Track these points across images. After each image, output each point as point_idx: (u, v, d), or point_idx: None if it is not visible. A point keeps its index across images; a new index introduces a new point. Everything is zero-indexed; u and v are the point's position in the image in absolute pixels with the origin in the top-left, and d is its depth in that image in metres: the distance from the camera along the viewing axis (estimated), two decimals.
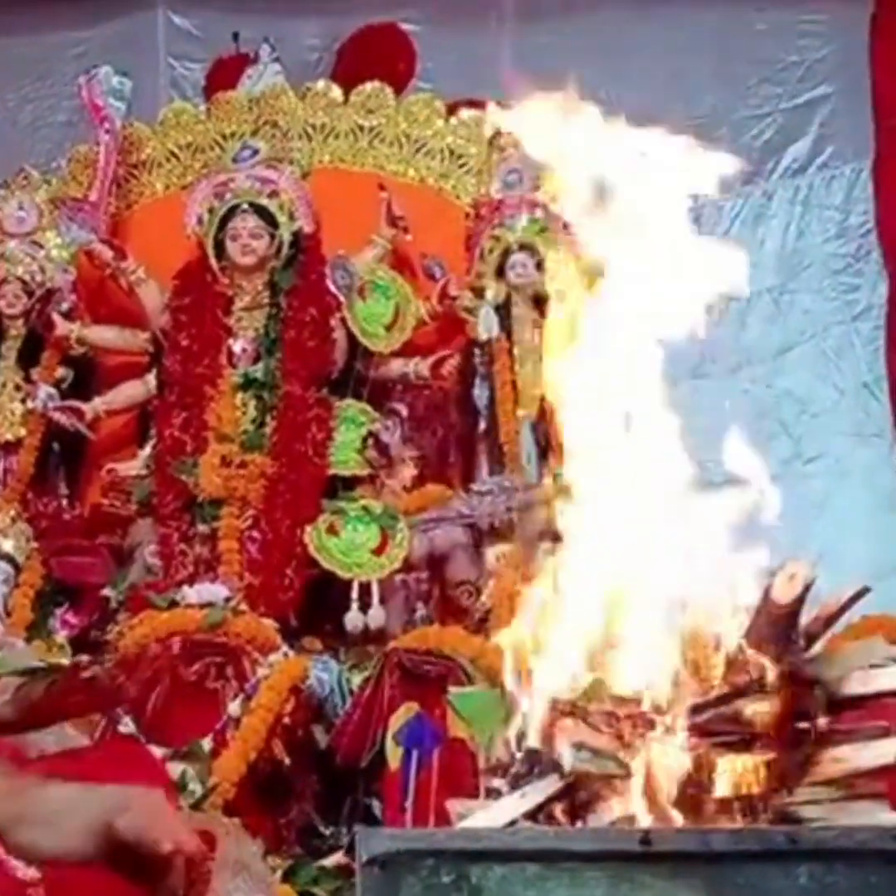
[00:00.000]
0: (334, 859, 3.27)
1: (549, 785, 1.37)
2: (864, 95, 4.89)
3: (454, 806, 1.44)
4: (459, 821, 1.42)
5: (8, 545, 4.22)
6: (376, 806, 3.51)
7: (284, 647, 3.75)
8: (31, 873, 1.76)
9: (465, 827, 1.34)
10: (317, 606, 4.08)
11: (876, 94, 4.79)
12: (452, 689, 3.40)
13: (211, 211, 4.43)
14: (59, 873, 1.79)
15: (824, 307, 4.88)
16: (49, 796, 1.12)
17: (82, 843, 1.08)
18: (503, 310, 4.39)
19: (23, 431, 4.46)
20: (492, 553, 4.00)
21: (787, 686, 1.46)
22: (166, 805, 1.12)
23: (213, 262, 4.41)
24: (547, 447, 4.21)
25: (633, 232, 1.67)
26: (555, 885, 1.13)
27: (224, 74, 5.03)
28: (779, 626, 1.51)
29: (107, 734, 3.31)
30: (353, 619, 3.96)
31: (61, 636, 4.08)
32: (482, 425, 4.35)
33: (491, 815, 1.38)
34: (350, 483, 4.28)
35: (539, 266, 4.41)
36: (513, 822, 1.34)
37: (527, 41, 5.10)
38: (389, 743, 3.39)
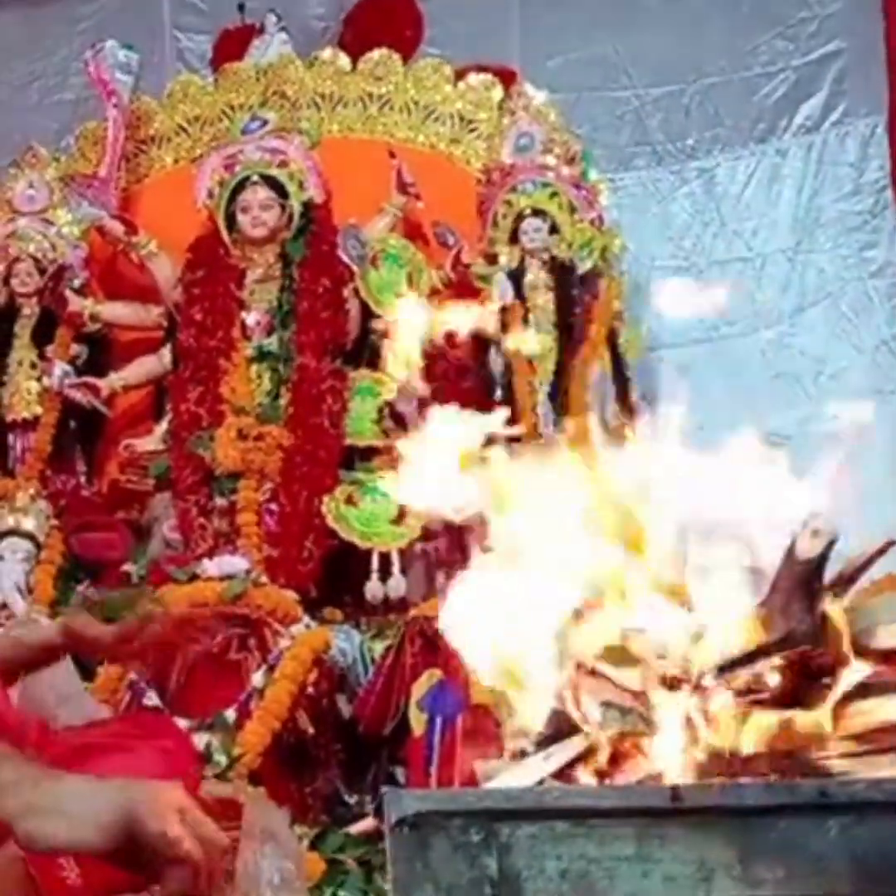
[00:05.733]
0: (360, 826, 3.29)
1: (575, 745, 1.37)
2: (877, 50, 4.83)
3: (480, 767, 1.45)
4: (485, 782, 1.42)
5: (28, 523, 4.24)
6: (401, 773, 3.53)
7: (306, 618, 3.76)
8: None
9: (493, 786, 1.34)
10: (337, 577, 4.09)
11: (890, 47, 4.73)
12: None
13: (221, 183, 4.42)
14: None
15: (840, 265, 4.84)
16: (62, 787, 1.10)
17: (94, 832, 1.05)
18: (517, 276, 4.38)
19: (39, 409, 4.48)
20: None
21: (812, 642, 1.45)
22: (188, 801, 1.11)
23: (224, 235, 4.40)
24: (563, 412, 4.21)
25: None
26: (584, 843, 1.13)
27: (231, 45, 5.00)
28: (802, 582, 1.50)
29: (131, 707, 3.34)
30: (373, 588, 3.97)
31: None
32: (498, 393, 4.34)
33: (517, 776, 1.38)
34: (367, 453, 4.28)
35: (552, 230, 4.39)
36: (540, 783, 1.34)
37: (535, 5, 5.06)
38: (413, 710, 3.41)
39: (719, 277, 4.90)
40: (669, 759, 1.29)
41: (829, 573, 1.54)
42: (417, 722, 3.39)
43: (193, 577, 3.83)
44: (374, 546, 4.01)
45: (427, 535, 4.07)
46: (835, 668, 1.43)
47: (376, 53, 4.79)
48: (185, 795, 1.11)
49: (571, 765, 1.33)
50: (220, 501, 4.12)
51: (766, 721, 1.37)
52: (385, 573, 3.99)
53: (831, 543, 1.52)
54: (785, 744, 1.33)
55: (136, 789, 1.08)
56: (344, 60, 4.82)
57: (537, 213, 4.40)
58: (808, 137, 4.92)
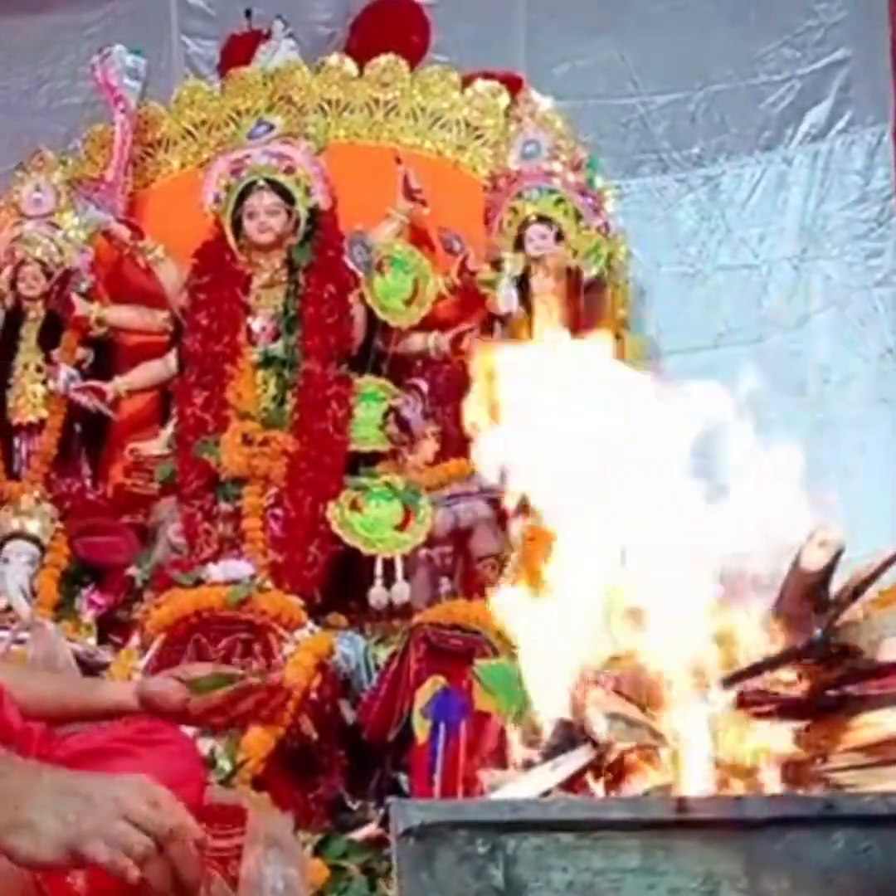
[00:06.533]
0: (364, 832, 3.29)
1: (581, 756, 1.36)
2: (884, 58, 4.84)
3: (486, 777, 1.45)
4: (491, 792, 1.42)
5: (33, 526, 4.24)
6: (404, 779, 3.53)
7: (310, 624, 3.76)
8: None
9: (499, 797, 1.34)
10: (341, 583, 4.09)
11: None
12: (479, 662, 3.40)
13: (228, 188, 4.43)
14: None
15: (846, 273, 4.84)
16: (32, 797, 1.10)
17: (53, 855, 1.07)
18: (522, 282, 4.38)
19: (44, 413, 4.48)
20: (516, 526, 3.99)
21: (818, 654, 1.45)
22: (168, 799, 1.09)
23: (231, 240, 4.40)
24: None
25: None
26: (590, 854, 1.13)
27: (238, 51, 5.01)
28: (809, 593, 1.50)
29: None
30: (377, 594, 3.97)
31: (88, 616, 4.12)
32: None
33: (523, 786, 1.38)
34: (372, 459, 4.28)
35: (558, 237, 4.39)
36: (546, 794, 1.34)
37: (542, 12, 5.07)
38: (417, 716, 3.40)
39: (725, 284, 4.90)
40: (676, 770, 1.29)
41: (836, 584, 1.54)
42: (421, 728, 3.39)
43: (198, 582, 3.83)
44: (378, 552, 4.01)
45: (431, 541, 4.07)
46: (841, 681, 1.43)
47: (383, 59, 4.79)
48: (163, 793, 1.09)
49: (578, 776, 1.33)
50: (224, 506, 4.12)
51: (773, 732, 1.37)
52: (389, 579, 3.99)
53: (838, 554, 1.52)
54: (792, 756, 1.33)
55: (87, 810, 1.06)
56: (350, 66, 4.83)
57: (543, 219, 4.40)
58: (813, 145, 4.93)
